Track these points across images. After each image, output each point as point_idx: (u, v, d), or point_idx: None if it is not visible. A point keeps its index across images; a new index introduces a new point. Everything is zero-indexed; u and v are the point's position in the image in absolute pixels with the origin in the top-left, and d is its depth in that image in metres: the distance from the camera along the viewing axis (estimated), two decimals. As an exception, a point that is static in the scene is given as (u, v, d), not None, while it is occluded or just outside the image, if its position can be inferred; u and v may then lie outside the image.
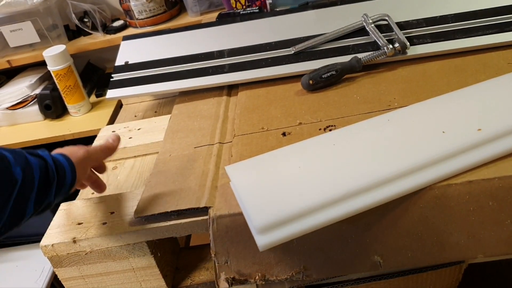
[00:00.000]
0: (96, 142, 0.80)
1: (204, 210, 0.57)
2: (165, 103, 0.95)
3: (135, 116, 0.92)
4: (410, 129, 0.59)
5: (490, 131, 0.55)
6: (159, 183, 0.63)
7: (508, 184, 0.52)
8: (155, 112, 0.93)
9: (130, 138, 0.78)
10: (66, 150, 0.55)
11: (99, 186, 0.64)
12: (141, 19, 1.30)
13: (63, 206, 0.66)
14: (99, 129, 0.86)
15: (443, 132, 0.57)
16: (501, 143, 0.54)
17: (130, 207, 0.61)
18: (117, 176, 0.72)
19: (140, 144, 0.77)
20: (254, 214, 0.51)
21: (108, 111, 1.20)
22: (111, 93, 0.87)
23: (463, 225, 0.53)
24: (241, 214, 0.54)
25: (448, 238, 0.54)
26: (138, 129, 0.81)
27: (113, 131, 0.82)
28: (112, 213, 0.62)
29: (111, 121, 1.15)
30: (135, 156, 0.76)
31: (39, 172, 0.48)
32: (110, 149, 0.62)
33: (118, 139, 0.63)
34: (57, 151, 0.55)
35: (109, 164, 0.76)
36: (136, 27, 1.33)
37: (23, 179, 0.46)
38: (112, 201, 0.64)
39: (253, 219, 0.50)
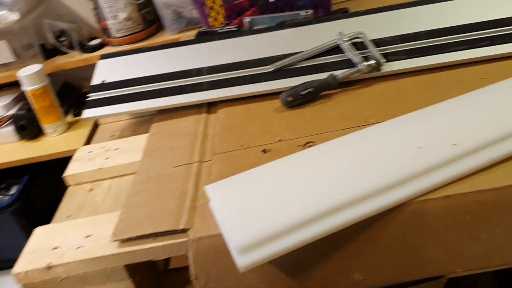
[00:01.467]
0: (72, 163, 0.78)
1: (184, 232, 0.56)
2: (142, 121, 0.94)
3: (112, 135, 0.91)
4: (387, 145, 0.60)
5: (465, 145, 0.56)
6: (136, 204, 0.62)
7: (484, 198, 0.52)
8: (133, 131, 0.92)
9: (107, 158, 0.77)
10: None
11: None
12: (119, 37, 1.30)
13: (38, 230, 0.64)
14: (76, 149, 0.85)
15: (419, 147, 0.58)
16: (477, 157, 0.55)
17: (107, 230, 0.60)
18: (94, 198, 0.71)
19: (117, 164, 0.75)
20: (233, 234, 0.50)
21: (85, 131, 1.19)
22: (87, 113, 0.86)
23: (441, 240, 0.54)
24: (221, 235, 0.53)
25: (427, 253, 0.54)
26: (115, 149, 0.80)
27: (89, 152, 0.81)
28: (88, 236, 0.60)
29: (88, 141, 1.13)
30: (112, 177, 0.75)
31: None
32: None
33: None
34: None
35: (85, 186, 0.75)
36: (113, 45, 1.32)
37: None
38: (88, 224, 0.63)
39: (232, 239, 0.50)
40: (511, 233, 0.53)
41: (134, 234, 0.56)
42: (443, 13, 0.87)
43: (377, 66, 0.78)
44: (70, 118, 1.29)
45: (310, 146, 0.66)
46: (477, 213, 0.53)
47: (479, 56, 0.78)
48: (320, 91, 0.78)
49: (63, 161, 1.03)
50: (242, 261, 0.49)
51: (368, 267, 0.55)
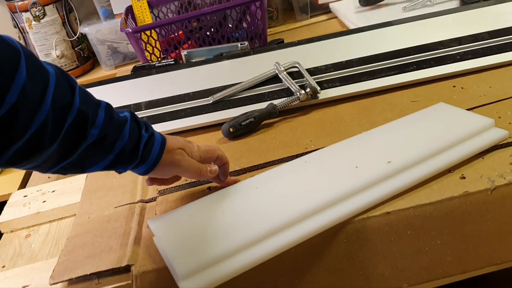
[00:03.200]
0: (6, 209, 0.74)
1: (128, 270, 0.54)
2: (81, 160, 0.91)
3: (49, 177, 0.87)
4: (326, 167, 0.62)
5: (399, 162, 0.59)
6: (77, 246, 0.59)
7: (423, 212, 0.54)
8: (71, 170, 0.88)
9: (44, 202, 0.73)
10: (171, 141, 0.57)
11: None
12: (53, 76, 1.26)
13: (-32, 282, 0.59)
14: (10, 193, 0.80)
15: (356, 167, 0.60)
16: (411, 173, 0.58)
17: (46, 278, 0.56)
18: (31, 244, 0.67)
19: (55, 207, 0.71)
20: (176, 261, 0.49)
21: (19, 174, 1.12)
22: (21, 155, 0.81)
23: (386, 256, 0.55)
24: (166, 268, 0.52)
25: (373, 271, 0.55)
26: (53, 191, 0.76)
27: (25, 196, 0.76)
28: (26, 286, 0.57)
29: (23, 184, 1.07)
30: (50, 221, 0.71)
31: (121, 147, 0.50)
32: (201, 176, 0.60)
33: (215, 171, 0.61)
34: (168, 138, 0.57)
35: (21, 233, 0.70)
36: (47, 84, 1.28)
37: (98, 139, 0.47)
38: (26, 273, 0.59)
39: (175, 266, 0.49)
40: (451, 244, 0.55)
41: (75, 275, 0.53)
42: (372, 41, 0.92)
43: (314, 94, 0.81)
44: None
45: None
46: (417, 227, 0.55)
47: (408, 80, 0.82)
48: (261, 120, 0.79)
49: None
50: (185, 285, 0.48)
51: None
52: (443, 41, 0.88)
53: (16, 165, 0.42)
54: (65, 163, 0.46)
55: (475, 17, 0.93)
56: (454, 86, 0.80)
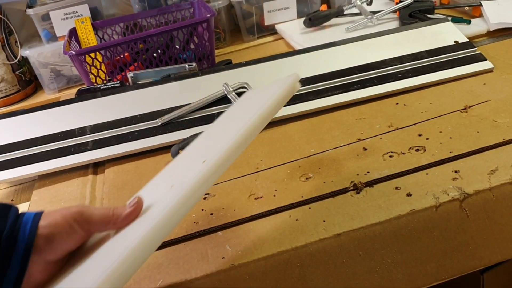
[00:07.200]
0: None
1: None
2: (23, 189, 0.86)
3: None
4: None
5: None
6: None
7: (372, 232, 0.55)
8: (12, 200, 0.83)
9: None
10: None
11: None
12: (-9, 100, 1.20)
13: None
14: None
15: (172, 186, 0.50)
16: None
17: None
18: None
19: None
20: None
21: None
22: (-45, 186, 0.77)
23: (339, 278, 0.55)
24: None
25: (327, 293, 0.55)
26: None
27: None
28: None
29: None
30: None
31: None
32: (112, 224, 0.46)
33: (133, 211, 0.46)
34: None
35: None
36: (-15, 109, 1.22)
37: None
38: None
39: None
40: (400, 262, 0.56)
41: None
42: (317, 61, 0.93)
43: (263, 114, 0.81)
44: None
45: (205, 199, 0.66)
46: (368, 247, 0.55)
47: (353, 98, 0.84)
48: (210, 141, 0.78)
49: None
50: None
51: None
52: (385, 60, 0.91)
53: None
54: None
55: (414, 37, 0.97)
56: (397, 103, 0.82)
